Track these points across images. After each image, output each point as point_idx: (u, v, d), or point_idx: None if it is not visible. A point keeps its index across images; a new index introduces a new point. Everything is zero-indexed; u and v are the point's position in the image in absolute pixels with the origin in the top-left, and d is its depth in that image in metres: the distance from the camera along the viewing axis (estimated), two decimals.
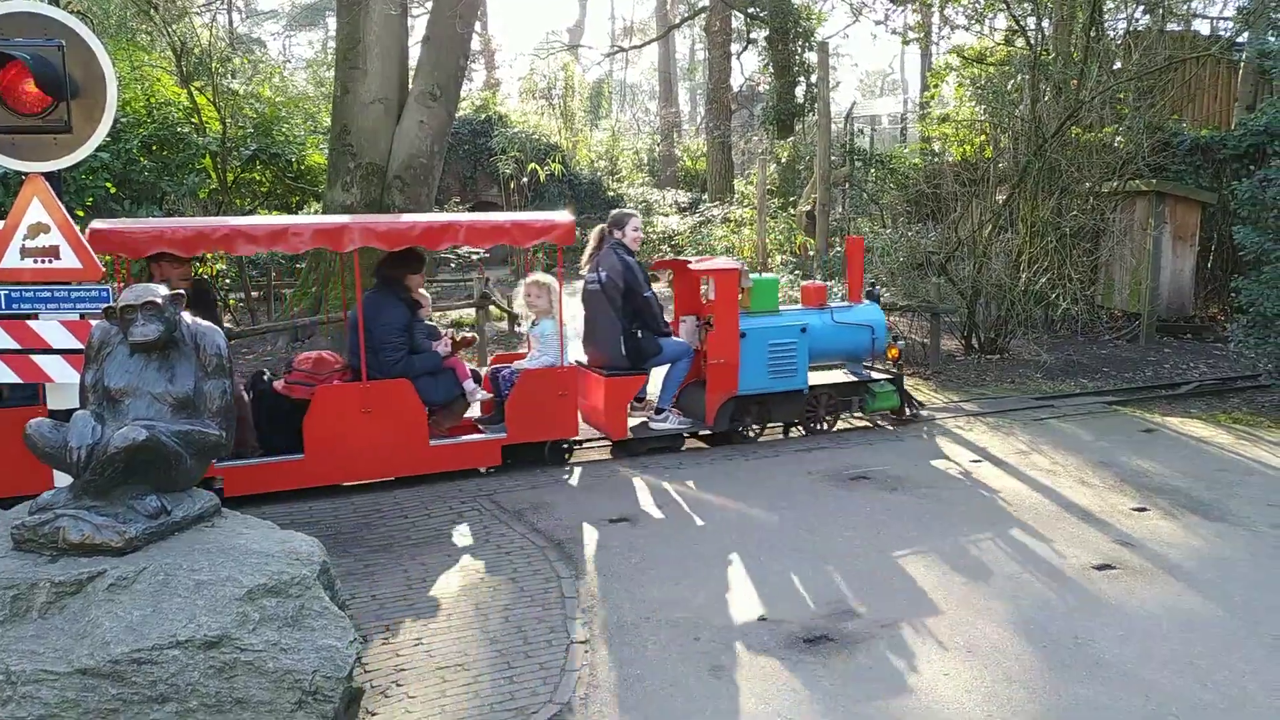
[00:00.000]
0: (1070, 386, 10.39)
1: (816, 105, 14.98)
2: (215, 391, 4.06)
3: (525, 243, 7.16)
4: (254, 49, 31.23)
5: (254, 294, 14.66)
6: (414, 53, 13.49)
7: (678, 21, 33.78)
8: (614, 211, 8.07)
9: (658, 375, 7.94)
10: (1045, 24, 14.00)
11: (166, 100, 14.14)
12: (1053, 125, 12.15)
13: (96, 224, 6.15)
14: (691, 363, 7.83)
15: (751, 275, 8.10)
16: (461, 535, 5.83)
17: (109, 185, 12.16)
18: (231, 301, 13.77)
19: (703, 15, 27.25)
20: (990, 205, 12.55)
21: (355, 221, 6.69)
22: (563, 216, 7.20)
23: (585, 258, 7.85)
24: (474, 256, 15.49)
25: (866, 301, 8.68)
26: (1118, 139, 13.43)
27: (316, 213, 14.25)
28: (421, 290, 7.32)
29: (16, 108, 4.80)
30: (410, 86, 12.91)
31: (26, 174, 4.95)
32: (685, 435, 7.89)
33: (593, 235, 7.85)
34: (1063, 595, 4.94)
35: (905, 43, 27.91)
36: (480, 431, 7.28)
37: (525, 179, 22.98)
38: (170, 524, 3.87)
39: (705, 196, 23.96)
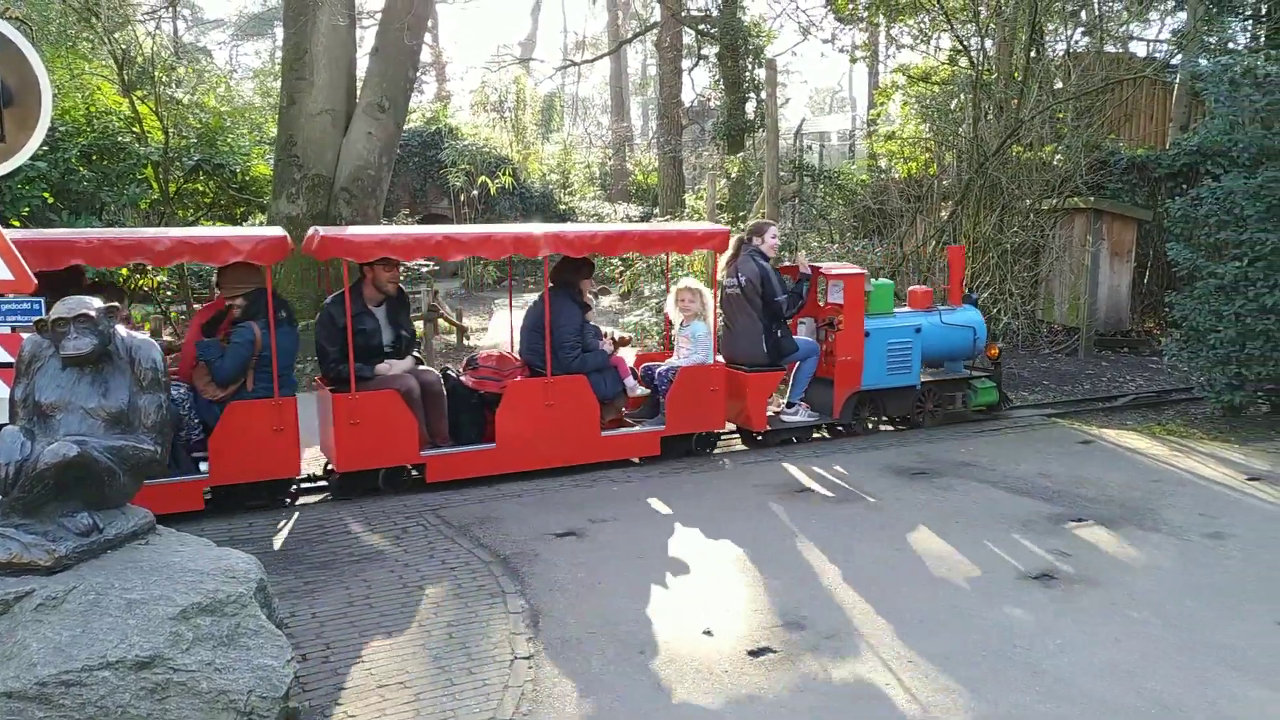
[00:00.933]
0: (1011, 399, 10.58)
1: (766, 121, 15.14)
2: (150, 406, 3.99)
3: (688, 250, 7.95)
4: (199, 58, 30.73)
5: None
6: (363, 64, 13.36)
7: (629, 37, 33.91)
8: (752, 221, 8.80)
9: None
10: (988, 44, 14.33)
11: (107, 109, 13.86)
12: (994, 143, 12.43)
13: (323, 231, 6.57)
14: (819, 360, 8.38)
15: (871, 280, 8.64)
16: (405, 551, 5.77)
17: (46, 195, 11.90)
18: (173, 314, 13.49)
19: (654, 31, 27.41)
20: (934, 221, 12.78)
21: (547, 231, 7.18)
22: (719, 227, 8.01)
23: (724, 263, 8.27)
24: (423, 269, 15.32)
25: (966, 305, 9.27)
26: (1057, 157, 13.77)
27: (261, 224, 14.04)
28: (589, 294, 7.65)
29: None
30: (358, 98, 12.79)
31: None
32: (814, 427, 8.46)
33: (732, 242, 8.27)
34: (1002, 605, 5.02)
35: (853, 61, 28.36)
36: (629, 425, 7.82)
37: (475, 191, 22.87)
38: (102, 542, 3.79)
39: (657, 211, 24.03)
